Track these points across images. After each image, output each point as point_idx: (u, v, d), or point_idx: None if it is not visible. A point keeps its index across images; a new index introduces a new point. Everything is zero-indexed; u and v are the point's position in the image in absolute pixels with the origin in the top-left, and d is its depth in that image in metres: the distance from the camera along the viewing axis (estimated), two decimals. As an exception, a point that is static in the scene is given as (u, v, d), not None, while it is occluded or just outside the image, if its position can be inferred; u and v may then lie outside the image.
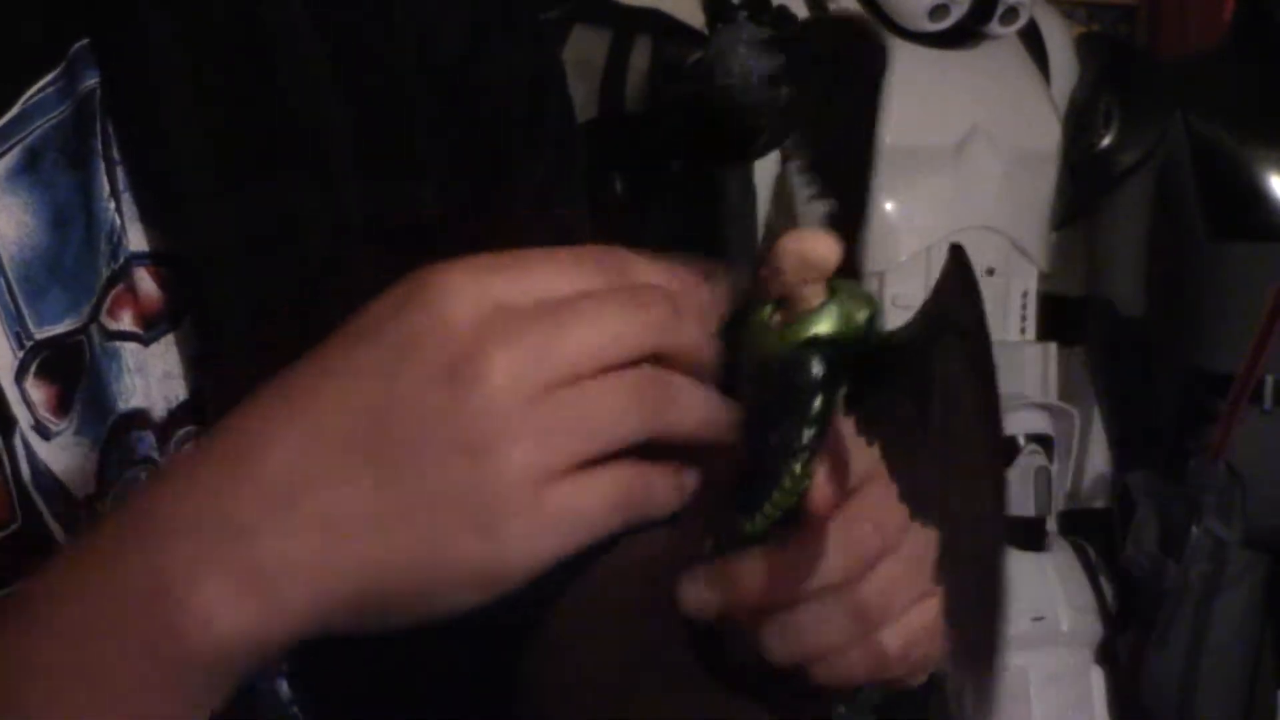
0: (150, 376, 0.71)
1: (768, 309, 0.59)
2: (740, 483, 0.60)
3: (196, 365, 0.71)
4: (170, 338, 0.71)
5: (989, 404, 0.56)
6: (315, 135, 0.74)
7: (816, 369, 0.59)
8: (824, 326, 0.59)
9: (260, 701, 0.72)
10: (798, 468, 0.59)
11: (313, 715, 0.73)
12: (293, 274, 0.72)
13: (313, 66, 0.74)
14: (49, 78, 0.69)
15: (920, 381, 0.57)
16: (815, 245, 0.59)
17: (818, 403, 0.59)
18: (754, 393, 0.59)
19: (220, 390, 0.70)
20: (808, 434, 0.59)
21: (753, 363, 0.59)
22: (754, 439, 0.59)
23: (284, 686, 0.73)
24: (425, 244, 0.77)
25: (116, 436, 0.70)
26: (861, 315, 0.59)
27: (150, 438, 0.70)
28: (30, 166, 0.69)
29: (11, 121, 0.69)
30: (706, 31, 1.90)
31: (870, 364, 0.59)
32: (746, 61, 1.80)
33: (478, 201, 0.79)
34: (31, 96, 0.69)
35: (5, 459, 0.68)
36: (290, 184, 0.73)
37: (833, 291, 0.59)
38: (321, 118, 0.74)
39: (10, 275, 0.69)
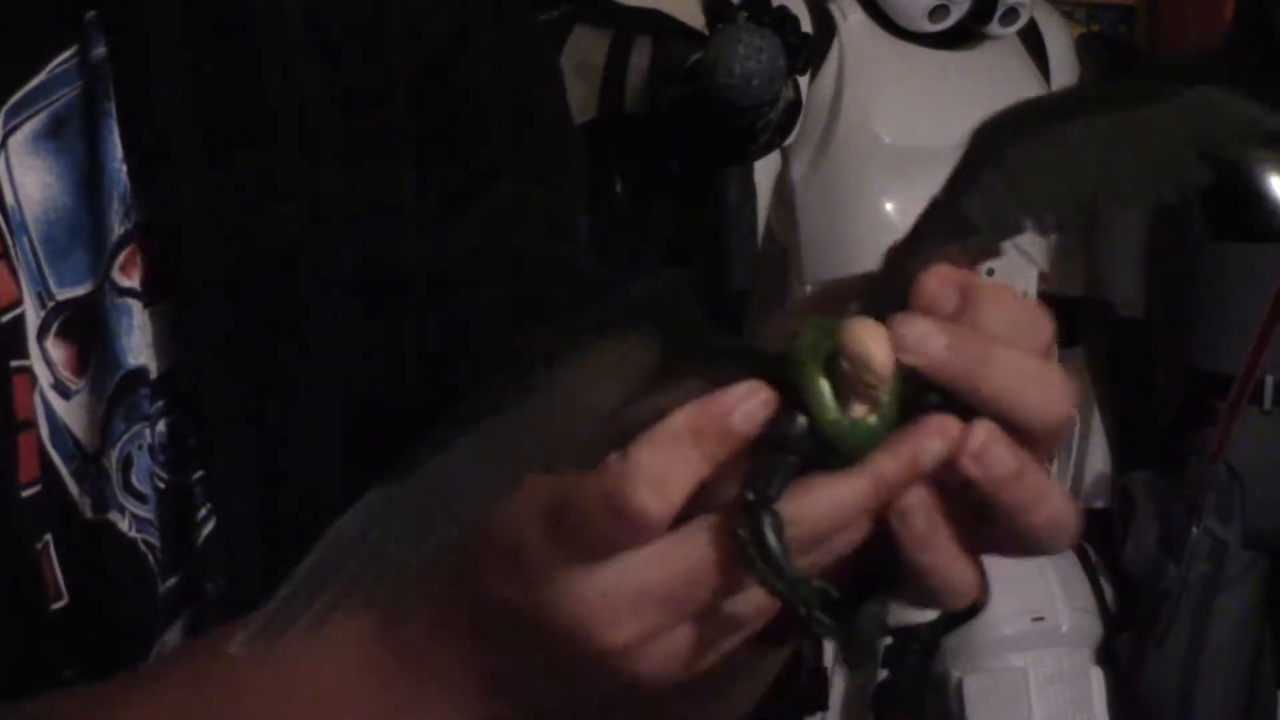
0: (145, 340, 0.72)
1: (827, 390, 0.59)
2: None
3: (173, 341, 0.73)
4: (150, 311, 0.73)
5: None
6: (298, 113, 0.75)
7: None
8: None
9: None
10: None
11: None
12: (270, 252, 0.74)
13: (297, 43, 0.76)
14: (72, 50, 0.72)
15: None
16: (873, 350, 0.59)
17: None
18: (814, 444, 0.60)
19: (192, 369, 0.72)
20: None
21: (816, 430, 0.59)
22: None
23: None
24: (400, 227, 0.79)
25: (123, 392, 0.71)
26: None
27: (149, 395, 0.72)
28: (55, 131, 0.71)
29: (36, 89, 0.71)
30: (706, 31, 1.90)
31: None
32: (746, 62, 1.80)
33: (454, 188, 0.80)
34: (56, 67, 0.71)
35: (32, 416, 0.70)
36: (272, 161, 0.74)
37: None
38: (304, 96, 0.75)
39: (34, 235, 0.71)
